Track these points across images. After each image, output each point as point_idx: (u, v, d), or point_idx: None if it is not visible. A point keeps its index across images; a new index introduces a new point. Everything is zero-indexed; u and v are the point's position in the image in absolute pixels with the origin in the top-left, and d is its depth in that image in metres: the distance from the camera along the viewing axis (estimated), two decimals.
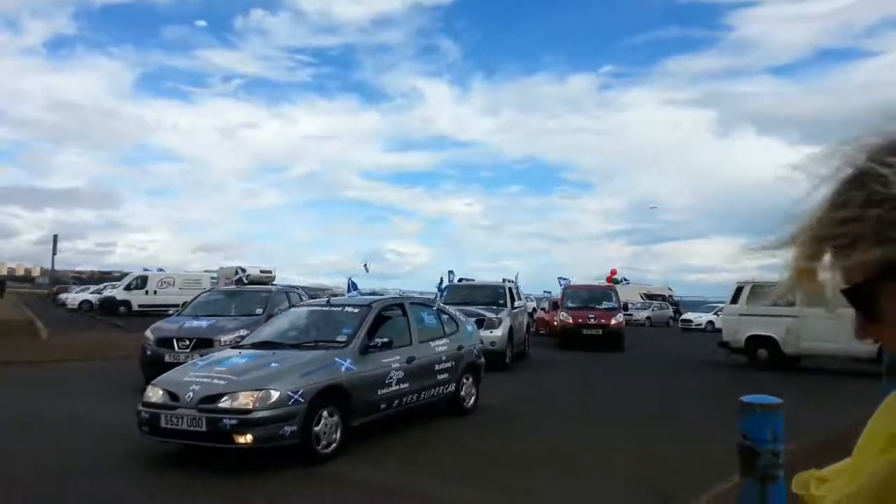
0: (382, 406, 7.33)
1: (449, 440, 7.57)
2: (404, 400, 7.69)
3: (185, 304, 13.98)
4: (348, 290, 15.33)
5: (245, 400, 6.04)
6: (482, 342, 11.14)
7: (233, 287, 14.60)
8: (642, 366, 16.57)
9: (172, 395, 6.29)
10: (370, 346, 7.30)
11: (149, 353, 10.60)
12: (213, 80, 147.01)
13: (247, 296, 12.85)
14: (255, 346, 7.68)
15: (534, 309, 31.90)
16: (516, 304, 16.03)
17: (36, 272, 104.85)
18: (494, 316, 13.91)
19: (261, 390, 6.11)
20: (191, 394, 6.19)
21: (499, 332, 13.67)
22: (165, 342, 10.67)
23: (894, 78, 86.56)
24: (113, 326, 25.05)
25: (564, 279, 26.03)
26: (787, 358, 15.23)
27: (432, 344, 8.47)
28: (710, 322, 34.51)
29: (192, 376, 6.56)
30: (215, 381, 6.36)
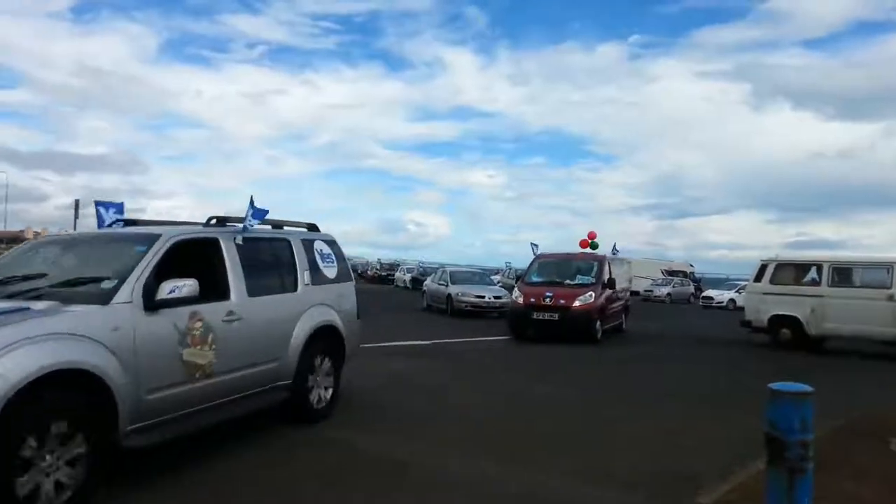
0: None
1: None
2: None
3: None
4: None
5: None
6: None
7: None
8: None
9: None
10: None
11: None
12: (237, 46, 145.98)
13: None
14: None
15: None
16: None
17: None
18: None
19: None
20: None
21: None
22: None
23: None
24: None
25: (535, 245, 18.69)
26: (811, 339, 14.97)
27: None
28: (732, 300, 34.16)
29: None
30: None
